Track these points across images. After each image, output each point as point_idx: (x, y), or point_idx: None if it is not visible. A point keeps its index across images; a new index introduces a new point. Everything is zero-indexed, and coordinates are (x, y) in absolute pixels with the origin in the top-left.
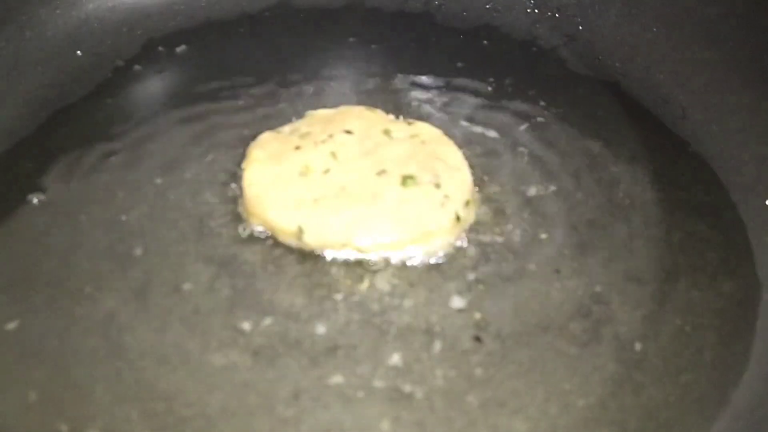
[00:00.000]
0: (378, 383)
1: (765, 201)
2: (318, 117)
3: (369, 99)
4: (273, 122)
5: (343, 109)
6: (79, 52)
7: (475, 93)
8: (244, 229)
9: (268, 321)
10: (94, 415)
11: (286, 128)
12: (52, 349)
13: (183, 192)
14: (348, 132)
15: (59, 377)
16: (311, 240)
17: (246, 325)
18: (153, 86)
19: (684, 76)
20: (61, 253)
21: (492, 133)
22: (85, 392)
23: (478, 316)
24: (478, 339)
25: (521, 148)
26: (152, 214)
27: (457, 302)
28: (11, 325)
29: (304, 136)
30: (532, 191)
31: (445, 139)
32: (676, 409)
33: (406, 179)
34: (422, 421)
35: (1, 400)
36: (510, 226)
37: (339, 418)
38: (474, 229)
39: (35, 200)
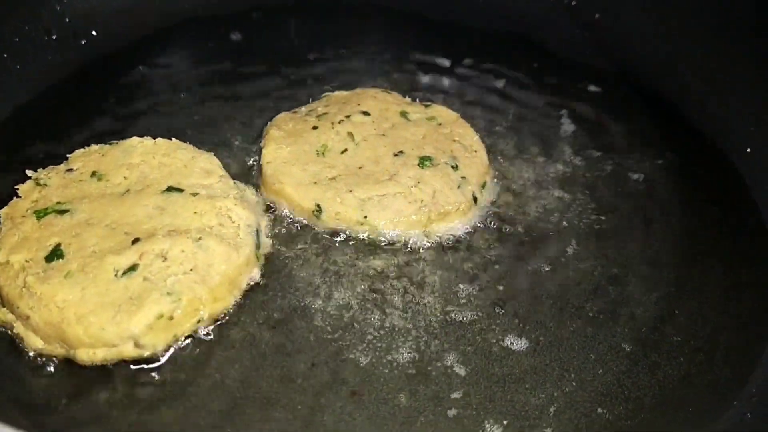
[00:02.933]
0: (396, 358)
1: None
2: (334, 98)
3: (384, 83)
4: (290, 103)
5: (359, 91)
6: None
7: (491, 79)
8: (262, 205)
9: (285, 296)
10: None
11: (303, 109)
12: None
13: None
14: (365, 113)
15: None
16: (328, 218)
17: (263, 300)
18: (169, 67)
19: (703, 67)
20: None
21: (509, 119)
22: None
23: (494, 296)
24: (495, 318)
25: (538, 134)
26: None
27: (475, 282)
28: None
29: (321, 116)
30: (550, 175)
31: (462, 122)
32: (692, 389)
33: (424, 160)
34: (439, 395)
35: None
36: (527, 209)
37: (357, 390)
38: (490, 210)
39: None
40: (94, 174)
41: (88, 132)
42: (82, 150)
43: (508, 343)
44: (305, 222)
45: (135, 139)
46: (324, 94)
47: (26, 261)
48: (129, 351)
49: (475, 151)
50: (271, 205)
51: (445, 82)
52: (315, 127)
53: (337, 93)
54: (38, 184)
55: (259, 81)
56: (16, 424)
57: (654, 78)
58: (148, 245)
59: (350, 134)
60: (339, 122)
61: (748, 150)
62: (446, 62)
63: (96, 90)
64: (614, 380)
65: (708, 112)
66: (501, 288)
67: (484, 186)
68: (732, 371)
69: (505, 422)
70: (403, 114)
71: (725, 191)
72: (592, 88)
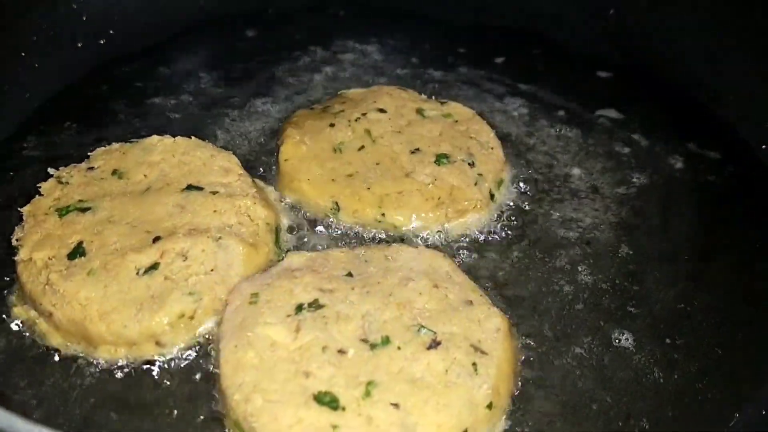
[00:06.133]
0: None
1: None
2: (350, 96)
3: (399, 81)
4: (306, 100)
5: (375, 88)
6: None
7: (506, 77)
8: (281, 203)
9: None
10: None
11: (319, 106)
12: None
13: None
14: (381, 110)
15: None
16: (346, 215)
17: None
18: (185, 65)
19: (717, 59)
20: None
21: (525, 116)
22: None
23: (511, 292)
24: (512, 315)
25: (554, 130)
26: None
27: (492, 279)
28: None
29: (337, 114)
30: (566, 171)
31: (478, 119)
32: (710, 384)
33: (440, 157)
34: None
35: None
36: (543, 205)
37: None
38: (507, 207)
39: None
40: (115, 172)
41: (108, 130)
42: (103, 148)
43: (526, 340)
44: (323, 219)
45: (155, 138)
46: (340, 92)
47: (49, 258)
48: (150, 349)
49: (492, 148)
50: (289, 202)
51: (460, 79)
52: (332, 125)
53: (353, 90)
54: (60, 182)
55: (275, 78)
56: None
57: (671, 72)
58: (169, 244)
59: (367, 131)
60: (355, 120)
61: (764, 147)
62: (460, 60)
63: (115, 88)
64: (633, 377)
65: (725, 106)
66: (518, 285)
67: (500, 183)
68: (749, 367)
69: (520, 419)
70: (419, 111)
71: (744, 185)
72: (609, 84)
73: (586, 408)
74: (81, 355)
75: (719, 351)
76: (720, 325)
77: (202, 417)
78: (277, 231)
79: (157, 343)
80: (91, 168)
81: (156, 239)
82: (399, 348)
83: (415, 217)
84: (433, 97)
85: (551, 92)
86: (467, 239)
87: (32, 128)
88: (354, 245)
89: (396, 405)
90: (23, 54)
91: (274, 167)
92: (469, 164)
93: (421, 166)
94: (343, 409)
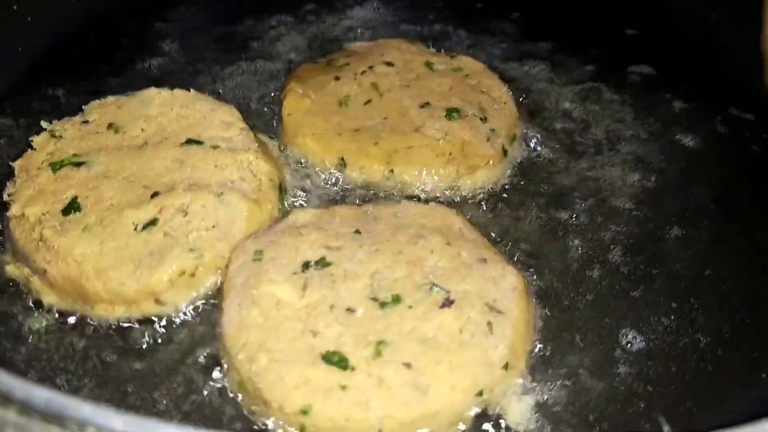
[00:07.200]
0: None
1: None
2: (356, 49)
3: (408, 37)
4: (309, 54)
5: (381, 41)
6: None
7: (523, 31)
8: (285, 159)
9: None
10: None
11: (324, 60)
12: None
13: None
14: (388, 64)
15: None
16: (353, 171)
17: None
18: (185, 20)
19: (744, 24)
20: None
21: (543, 70)
22: None
23: (526, 252)
24: (526, 275)
25: (569, 88)
26: None
27: (505, 238)
28: None
29: (342, 67)
30: (583, 127)
31: (489, 73)
32: (732, 348)
33: (451, 112)
34: None
35: None
36: (558, 162)
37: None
38: (521, 163)
39: None
40: (110, 126)
41: (103, 84)
42: (98, 101)
43: (544, 302)
44: (329, 175)
45: (152, 90)
46: (345, 44)
47: (42, 214)
48: (149, 308)
49: (504, 103)
50: (294, 158)
51: (474, 36)
52: (337, 78)
53: (358, 44)
54: (53, 136)
55: (278, 33)
56: None
57: (699, 37)
58: (168, 199)
59: (374, 85)
60: (362, 73)
61: None
62: (475, 14)
63: (110, 41)
64: (651, 337)
65: (751, 69)
66: (532, 242)
67: (513, 139)
68: None
69: (537, 379)
70: (428, 64)
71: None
72: (639, 42)
73: (605, 368)
74: (77, 314)
75: (741, 314)
76: (741, 288)
77: (205, 378)
78: (280, 187)
79: (157, 301)
80: (86, 122)
81: (154, 195)
82: (410, 307)
83: (425, 173)
84: (443, 51)
85: (574, 47)
86: (479, 196)
87: (25, 81)
88: (362, 202)
89: (408, 365)
90: (15, 7)
91: (277, 121)
92: (480, 119)
93: (431, 120)
94: (353, 369)
